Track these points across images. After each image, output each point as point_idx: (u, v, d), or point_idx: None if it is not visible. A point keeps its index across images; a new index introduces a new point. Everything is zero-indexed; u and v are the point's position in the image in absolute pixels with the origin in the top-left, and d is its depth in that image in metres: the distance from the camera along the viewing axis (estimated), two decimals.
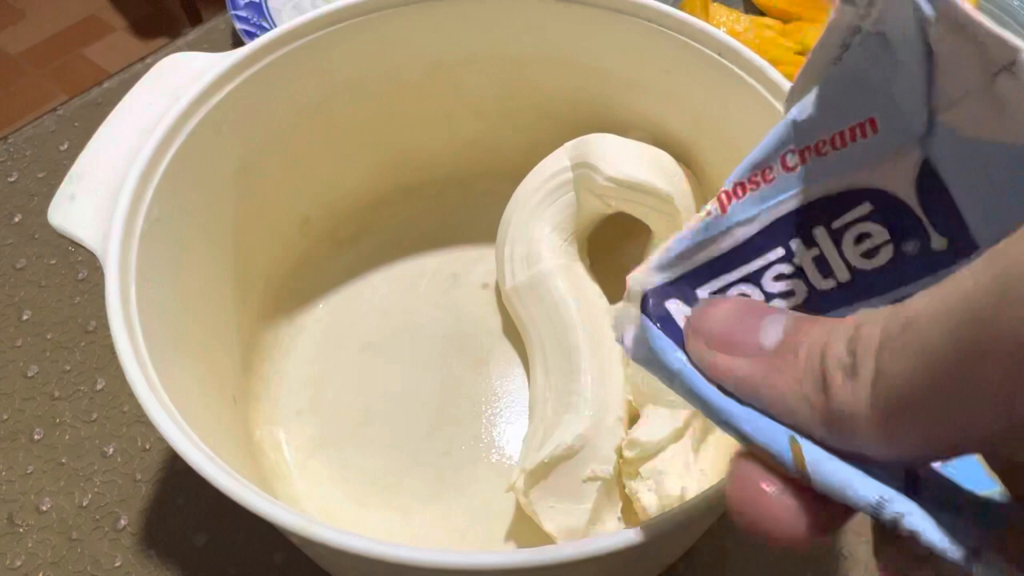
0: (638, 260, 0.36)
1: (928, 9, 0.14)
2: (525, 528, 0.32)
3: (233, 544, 0.34)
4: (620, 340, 0.17)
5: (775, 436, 0.15)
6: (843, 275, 0.16)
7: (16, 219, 0.45)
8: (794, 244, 0.16)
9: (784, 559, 0.33)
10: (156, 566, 0.33)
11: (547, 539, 0.30)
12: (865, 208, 0.16)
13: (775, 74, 0.29)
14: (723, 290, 0.17)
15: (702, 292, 0.17)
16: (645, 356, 0.17)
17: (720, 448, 0.31)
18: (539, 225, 0.35)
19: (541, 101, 0.38)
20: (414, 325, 0.38)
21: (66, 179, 0.29)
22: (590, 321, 0.33)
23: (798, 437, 0.14)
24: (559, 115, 0.38)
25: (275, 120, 0.34)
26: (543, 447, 0.30)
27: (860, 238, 0.16)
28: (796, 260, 0.16)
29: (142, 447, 0.37)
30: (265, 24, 0.51)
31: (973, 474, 0.16)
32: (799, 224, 0.16)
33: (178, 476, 0.36)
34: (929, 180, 0.15)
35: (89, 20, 1.50)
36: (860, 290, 0.16)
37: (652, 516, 0.22)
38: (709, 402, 0.16)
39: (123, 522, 0.35)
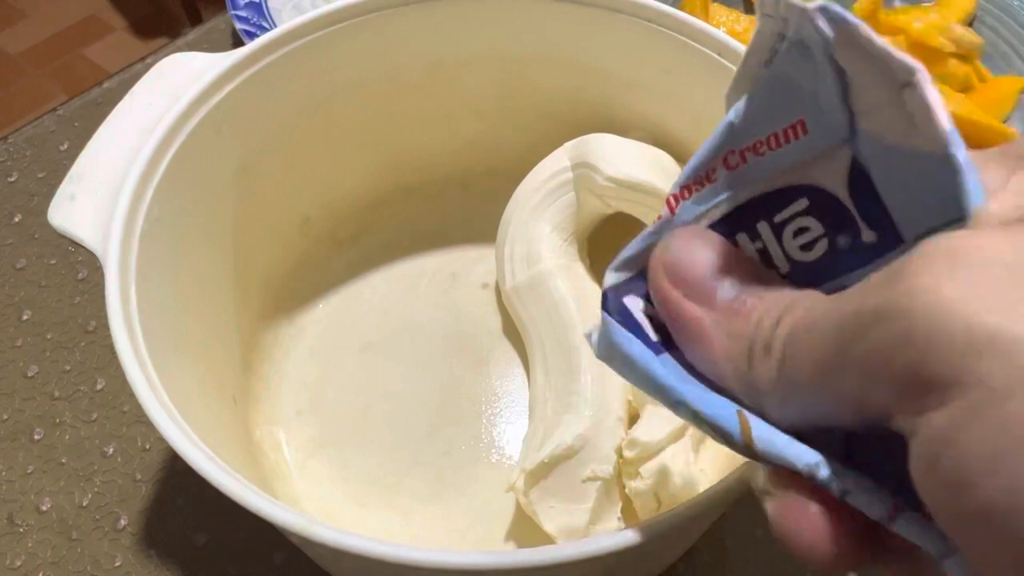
0: None
1: (828, 31, 0.15)
2: (525, 528, 0.32)
3: (233, 544, 0.34)
4: (588, 339, 0.19)
5: (724, 412, 0.16)
6: (784, 267, 0.17)
7: (16, 219, 0.45)
8: (740, 238, 0.18)
9: (784, 559, 0.33)
10: (156, 566, 0.33)
11: (547, 539, 0.30)
12: (802, 203, 0.17)
13: None
14: None
15: None
16: (607, 350, 0.18)
17: (720, 448, 0.31)
18: (539, 225, 0.35)
19: (541, 101, 0.38)
20: (414, 325, 0.38)
21: (66, 179, 0.29)
22: (590, 321, 0.33)
23: (745, 412, 0.16)
24: (559, 115, 0.38)
25: (275, 120, 0.34)
26: (543, 447, 0.30)
27: (798, 232, 0.17)
28: (746, 252, 0.18)
29: (142, 447, 0.37)
30: (265, 24, 0.51)
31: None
32: (743, 220, 0.18)
33: (178, 476, 0.36)
34: (859, 177, 0.16)
35: (89, 20, 1.50)
36: (799, 281, 0.17)
37: (652, 516, 0.22)
38: (663, 385, 0.17)
39: (123, 522, 0.35)
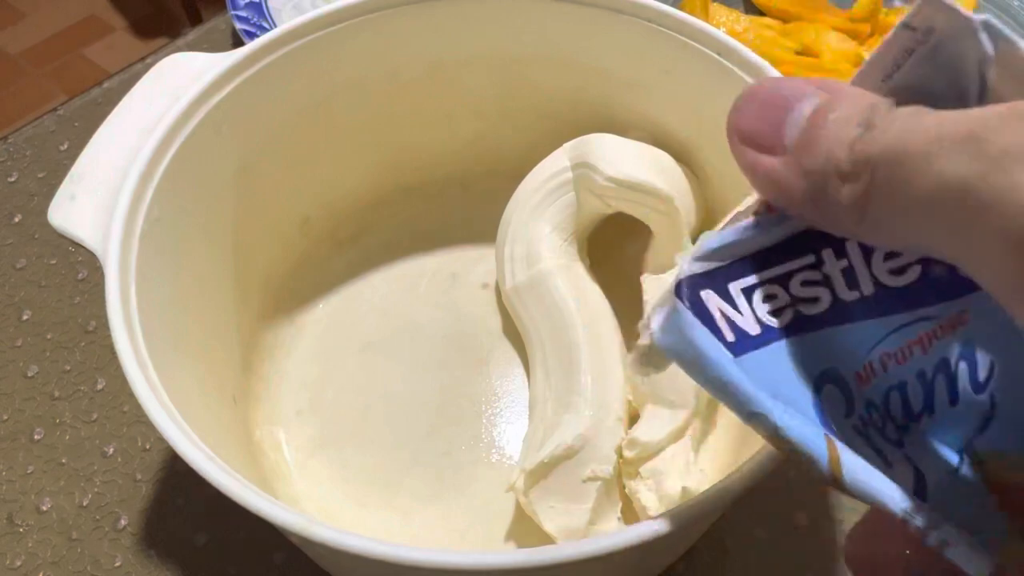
0: (638, 260, 0.36)
1: (989, 49, 0.14)
2: (525, 528, 0.32)
3: (233, 544, 0.34)
4: (647, 325, 0.17)
5: (810, 433, 0.15)
6: (868, 289, 0.16)
7: (16, 219, 0.45)
8: (825, 254, 0.17)
9: (784, 559, 0.33)
10: (156, 566, 0.33)
11: (547, 539, 0.30)
12: None
13: (775, 74, 0.29)
14: (752, 288, 0.17)
15: (733, 287, 0.17)
16: (674, 342, 0.16)
17: (719, 449, 0.31)
18: (539, 225, 0.35)
19: (541, 101, 0.38)
20: (414, 325, 0.38)
21: (66, 179, 0.29)
22: (590, 321, 0.33)
23: (835, 439, 0.14)
24: (559, 115, 0.38)
25: (275, 120, 0.34)
26: (543, 447, 0.30)
27: (889, 255, 0.16)
28: (825, 269, 0.17)
29: (142, 447, 0.37)
30: (265, 24, 0.51)
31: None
32: (832, 238, 0.16)
33: (178, 476, 0.36)
34: None
35: (89, 20, 1.50)
36: (883, 305, 0.16)
37: (652, 516, 0.22)
38: (739, 390, 0.15)
39: (123, 522, 0.35)
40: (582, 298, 0.34)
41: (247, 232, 0.35)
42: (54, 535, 0.34)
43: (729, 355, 0.16)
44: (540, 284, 0.34)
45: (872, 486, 0.14)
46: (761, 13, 0.51)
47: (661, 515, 0.21)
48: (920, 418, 0.16)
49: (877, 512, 0.15)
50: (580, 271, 0.35)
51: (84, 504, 0.35)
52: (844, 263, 0.16)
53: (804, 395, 0.16)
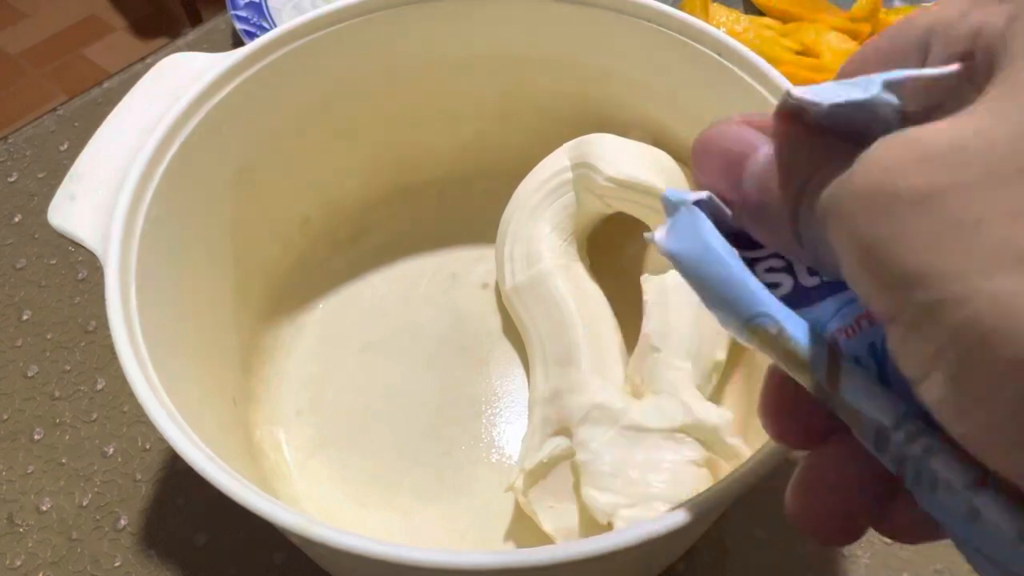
0: (638, 260, 0.36)
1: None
2: (525, 528, 0.32)
3: (233, 544, 0.34)
4: (652, 238, 0.17)
5: (814, 338, 0.15)
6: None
7: (16, 219, 0.45)
8: None
9: (784, 559, 0.33)
10: (156, 566, 0.33)
11: (547, 539, 0.30)
12: None
13: (775, 74, 0.29)
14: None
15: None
16: (681, 244, 0.17)
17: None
18: (539, 225, 0.35)
19: (541, 101, 0.38)
20: (414, 325, 0.38)
21: (66, 179, 0.29)
22: (590, 321, 0.33)
23: (841, 352, 0.15)
24: (559, 115, 0.38)
25: (275, 120, 0.34)
26: (542, 447, 0.30)
27: None
28: (789, 257, 0.17)
29: (142, 447, 0.37)
30: (265, 24, 0.51)
31: None
32: None
33: (178, 476, 0.36)
34: None
35: (89, 20, 1.50)
36: (838, 284, 0.17)
37: (651, 517, 0.22)
38: (748, 290, 0.16)
39: (123, 522, 0.35)
40: (582, 298, 0.34)
41: (247, 232, 0.35)
42: (54, 535, 0.34)
43: (739, 260, 0.16)
44: (540, 284, 0.34)
45: (867, 396, 0.14)
46: (761, 13, 0.51)
47: (661, 515, 0.21)
48: None
49: (812, 466, 0.17)
50: (580, 271, 0.35)
51: (84, 504, 0.35)
52: None
53: None
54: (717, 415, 0.28)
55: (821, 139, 0.15)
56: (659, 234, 0.17)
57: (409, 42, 0.35)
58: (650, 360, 0.31)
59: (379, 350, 0.38)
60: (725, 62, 0.31)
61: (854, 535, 0.16)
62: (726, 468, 0.29)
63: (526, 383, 0.37)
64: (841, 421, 0.15)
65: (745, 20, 0.48)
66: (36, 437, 0.37)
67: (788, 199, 0.15)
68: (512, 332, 0.38)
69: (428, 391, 0.36)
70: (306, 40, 0.33)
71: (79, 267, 0.43)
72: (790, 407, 0.17)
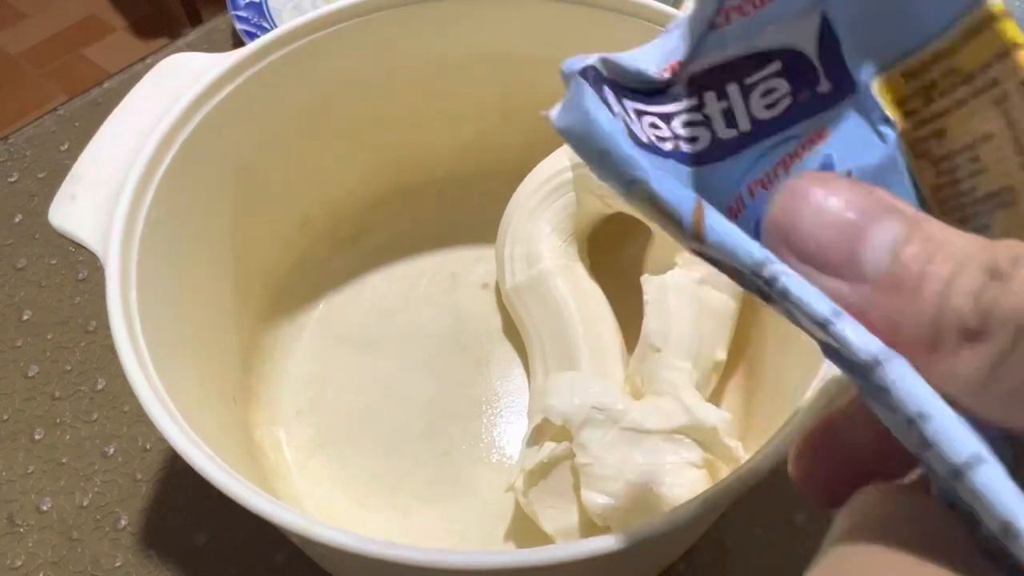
0: (638, 260, 0.36)
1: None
2: (525, 528, 0.32)
3: (233, 544, 0.34)
4: (544, 114, 0.17)
5: (682, 196, 0.15)
6: (745, 125, 0.17)
7: (16, 219, 0.45)
8: (707, 96, 0.17)
9: (784, 559, 0.33)
10: (156, 566, 0.33)
11: (547, 539, 0.30)
12: (775, 66, 0.17)
13: None
14: (641, 113, 0.17)
15: (628, 103, 0.17)
16: (570, 120, 0.17)
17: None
18: (539, 225, 0.35)
19: (541, 101, 0.37)
20: (414, 325, 0.38)
21: (66, 179, 0.29)
22: (590, 321, 0.33)
23: (704, 203, 0.15)
24: None
25: (275, 120, 0.34)
26: (542, 447, 0.30)
27: (766, 92, 0.17)
28: (706, 111, 0.17)
29: (142, 447, 0.37)
30: (265, 24, 0.51)
31: None
32: (714, 80, 0.17)
33: (178, 476, 0.36)
34: (826, 33, 0.16)
35: (89, 20, 1.50)
36: (756, 135, 0.17)
37: (651, 517, 0.22)
38: (623, 156, 0.16)
39: (123, 522, 0.35)
40: (582, 298, 0.34)
41: (247, 232, 0.35)
42: (54, 535, 0.35)
43: (621, 127, 0.16)
44: (540, 284, 0.34)
45: (730, 240, 0.14)
46: None
47: (659, 516, 0.21)
48: None
49: (818, 432, 0.16)
50: (580, 271, 0.35)
51: (84, 504, 0.35)
52: (725, 104, 0.17)
53: None
54: (716, 416, 0.28)
55: None
56: (553, 111, 0.17)
57: (409, 42, 0.35)
58: (650, 360, 0.31)
59: (379, 350, 0.38)
60: None
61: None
62: (725, 470, 0.29)
63: (526, 383, 0.37)
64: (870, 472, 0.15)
65: None
66: (36, 437, 0.37)
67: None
68: (512, 332, 0.38)
69: (428, 391, 0.36)
70: (306, 40, 0.33)
71: (79, 267, 0.43)
72: (826, 457, 0.16)
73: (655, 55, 0.17)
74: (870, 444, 0.15)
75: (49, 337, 0.40)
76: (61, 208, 0.28)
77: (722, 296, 0.32)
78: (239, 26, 0.50)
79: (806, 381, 0.24)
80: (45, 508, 0.35)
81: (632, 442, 0.29)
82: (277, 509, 0.22)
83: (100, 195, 0.28)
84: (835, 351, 0.13)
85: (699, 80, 0.17)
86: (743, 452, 0.29)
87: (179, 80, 0.31)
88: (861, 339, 0.12)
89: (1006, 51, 0.14)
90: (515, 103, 0.38)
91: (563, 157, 0.35)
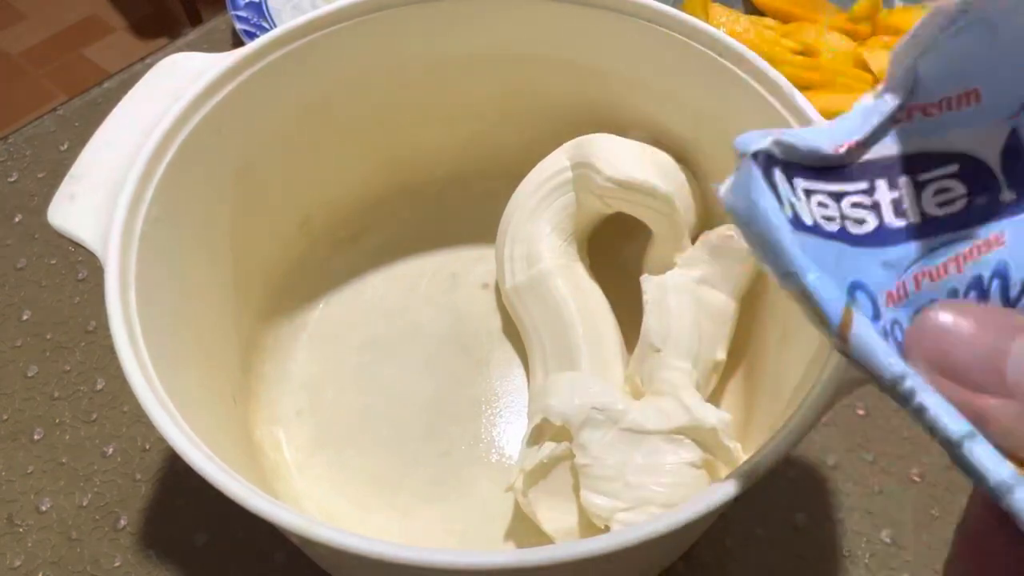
0: (638, 260, 0.36)
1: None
2: (525, 528, 0.32)
3: (233, 544, 0.34)
4: (717, 191, 0.18)
5: (833, 298, 0.16)
6: (915, 218, 0.18)
7: (16, 219, 0.45)
8: (879, 183, 0.18)
9: (784, 559, 0.33)
10: (156, 566, 0.33)
11: (547, 539, 0.30)
12: (952, 168, 0.17)
13: (775, 74, 0.29)
14: (811, 192, 0.18)
15: (797, 181, 0.18)
16: (737, 201, 0.17)
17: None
18: (539, 225, 0.35)
19: (541, 101, 0.38)
20: (414, 325, 0.38)
21: (66, 179, 0.29)
22: (590, 320, 0.33)
23: (855, 308, 0.16)
24: (559, 115, 0.38)
25: (275, 120, 0.34)
26: (542, 447, 0.30)
27: (939, 191, 0.18)
28: (876, 196, 0.18)
29: (142, 447, 0.37)
30: (265, 24, 0.51)
31: None
32: (889, 169, 0.18)
33: (178, 476, 0.36)
34: (1012, 148, 0.17)
35: (89, 20, 1.50)
36: (927, 230, 0.17)
37: (651, 517, 0.22)
38: (783, 249, 0.16)
39: (123, 522, 0.35)
40: (582, 298, 0.34)
41: (247, 232, 0.35)
42: (54, 535, 0.34)
43: (785, 219, 0.17)
44: (540, 284, 0.34)
45: (872, 350, 0.15)
46: (761, 13, 0.51)
47: (659, 516, 0.21)
48: None
49: (970, 536, 0.16)
50: (580, 271, 0.35)
51: (84, 504, 0.35)
52: (895, 194, 0.18)
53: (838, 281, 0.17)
54: (716, 417, 0.28)
55: None
56: (723, 186, 0.18)
57: (409, 42, 0.35)
58: (650, 360, 0.31)
59: (379, 350, 0.38)
60: (725, 62, 0.31)
61: None
62: (724, 470, 0.29)
63: (526, 383, 0.37)
64: None
65: (745, 20, 0.48)
66: (36, 437, 0.37)
67: None
68: (512, 332, 0.38)
69: (428, 391, 0.36)
70: (306, 40, 0.33)
71: (79, 267, 0.43)
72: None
73: (831, 134, 0.18)
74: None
75: (49, 337, 0.40)
76: (61, 208, 0.28)
77: (722, 296, 0.32)
78: (239, 26, 0.50)
79: (806, 381, 0.24)
80: (44, 508, 0.35)
81: (632, 443, 0.29)
82: (277, 509, 0.22)
83: (99, 195, 0.28)
84: (967, 468, 0.14)
85: (871, 167, 0.18)
86: (742, 452, 0.29)
87: (179, 80, 0.31)
88: (993, 463, 0.14)
89: None
90: (515, 103, 0.38)
91: (563, 157, 0.35)
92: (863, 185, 0.18)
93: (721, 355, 0.32)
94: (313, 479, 0.34)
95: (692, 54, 0.32)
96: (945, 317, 0.15)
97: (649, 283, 0.33)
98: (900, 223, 0.17)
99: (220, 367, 0.33)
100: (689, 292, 0.32)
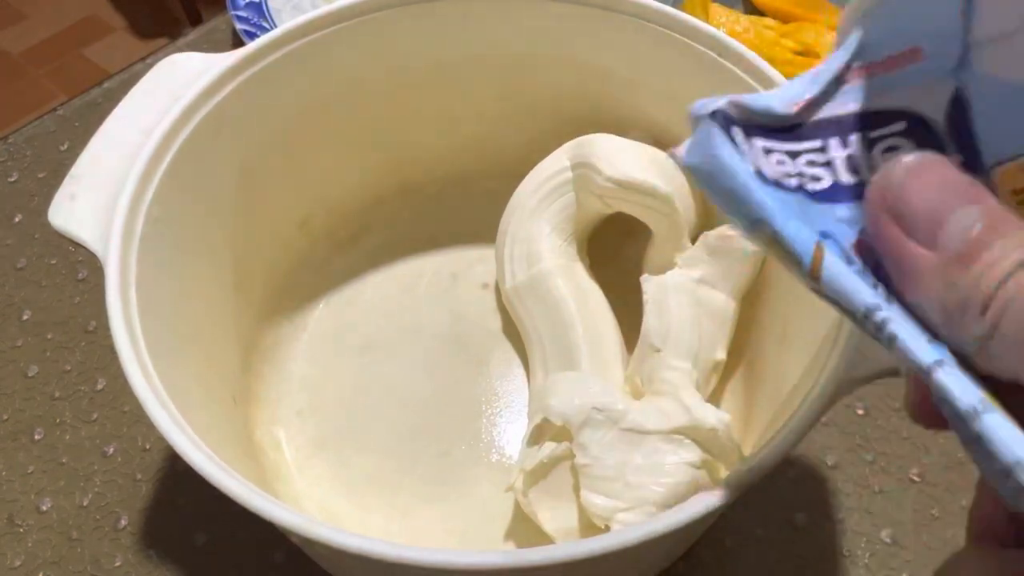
0: (638, 260, 0.36)
1: None
2: (525, 528, 0.32)
3: (233, 544, 0.34)
4: (672, 153, 0.18)
5: (803, 238, 0.16)
6: (866, 175, 0.18)
7: (16, 219, 0.45)
8: (831, 141, 0.18)
9: (784, 559, 0.33)
10: (156, 566, 0.33)
11: (547, 539, 0.30)
12: (900, 126, 0.18)
13: (775, 74, 0.29)
14: (769, 150, 0.18)
15: (756, 140, 0.18)
16: (698, 158, 0.18)
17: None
18: (539, 225, 0.35)
19: (541, 101, 0.38)
20: (414, 325, 0.38)
21: (66, 179, 0.29)
22: (590, 320, 0.33)
23: (825, 244, 0.16)
24: (559, 115, 0.38)
25: (275, 120, 0.34)
26: (542, 447, 0.30)
27: (888, 149, 0.18)
28: (829, 154, 0.18)
29: (142, 447, 0.37)
30: (265, 24, 0.51)
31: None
32: (841, 128, 0.18)
33: (178, 476, 0.36)
34: (958, 108, 0.17)
35: (89, 20, 1.50)
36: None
37: (650, 518, 0.22)
38: (751, 198, 0.17)
39: (123, 522, 0.35)
40: (582, 298, 0.34)
41: (247, 232, 0.35)
42: (54, 535, 0.34)
43: (748, 168, 0.17)
44: (540, 284, 0.34)
45: (844, 285, 0.16)
46: (761, 13, 0.51)
47: (659, 516, 0.21)
48: None
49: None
50: (580, 271, 0.35)
51: (84, 504, 0.35)
52: (847, 151, 0.18)
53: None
54: (715, 417, 0.28)
55: None
56: (680, 149, 0.18)
57: (409, 42, 0.35)
58: (650, 360, 0.31)
59: (379, 350, 0.38)
60: (724, 62, 0.31)
61: None
62: (724, 470, 0.29)
63: (526, 383, 0.37)
64: None
65: (745, 20, 0.48)
66: (36, 437, 0.37)
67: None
68: (512, 332, 0.38)
69: (428, 391, 0.36)
70: (306, 40, 0.33)
71: (79, 267, 0.43)
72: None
73: (783, 95, 0.18)
74: None
75: (49, 337, 0.40)
76: (61, 208, 0.28)
77: (722, 296, 0.32)
78: (239, 26, 0.50)
79: (806, 381, 0.24)
80: (45, 508, 0.35)
81: (632, 443, 0.29)
82: (277, 509, 0.22)
83: (100, 195, 0.28)
84: (937, 395, 0.14)
85: (823, 126, 0.18)
86: (742, 452, 0.29)
87: (179, 80, 0.31)
88: (962, 390, 0.14)
89: None
90: (515, 103, 0.38)
91: (563, 157, 0.35)
92: (816, 144, 0.18)
93: (721, 355, 0.32)
94: (313, 479, 0.34)
95: (692, 54, 0.32)
96: (915, 160, 0.16)
97: (649, 283, 0.33)
98: (854, 179, 0.18)
99: (220, 367, 0.33)
100: (689, 292, 0.32)
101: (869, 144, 0.18)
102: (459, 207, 0.41)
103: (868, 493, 0.34)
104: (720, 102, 0.18)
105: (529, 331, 0.35)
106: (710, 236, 0.32)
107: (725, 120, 0.18)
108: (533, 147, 0.37)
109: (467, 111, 0.39)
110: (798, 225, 0.16)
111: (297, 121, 0.35)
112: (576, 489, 0.29)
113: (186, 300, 0.30)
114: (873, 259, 0.17)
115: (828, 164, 0.18)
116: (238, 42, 0.52)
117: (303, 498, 0.34)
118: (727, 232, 0.32)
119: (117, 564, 0.34)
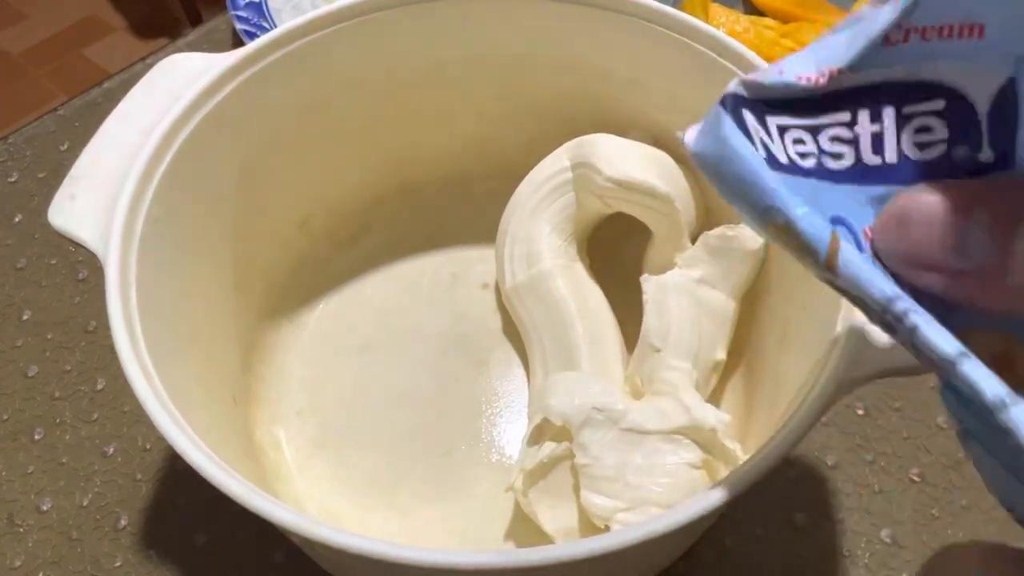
0: (638, 260, 0.36)
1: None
2: (525, 528, 0.32)
3: (233, 544, 0.34)
4: (682, 139, 0.18)
5: (818, 228, 0.15)
6: (891, 157, 0.17)
7: (16, 219, 0.45)
8: (861, 114, 0.17)
9: (784, 559, 0.33)
10: (156, 566, 0.33)
11: (547, 539, 0.30)
12: (939, 104, 0.17)
13: None
14: (785, 128, 0.17)
15: (770, 119, 0.17)
16: (706, 145, 0.17)
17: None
18: (539, 225, 0.35)
19: (541, 101, 0.38)
20: (414, 325, 0.38)
21: (66, 179, 0.29)
22: (590, 320, 0.33)
23: (840, 233, 0.15)
24: (559, 115, 0.38)
25: (275, 120, 0.34)
26: (542, 447, 0.30)
27: (920, 129, 0.17)
28: (857, 129, 0.17)
29: (142, 447, 0.37)
30: (265, 24, 0.51)
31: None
32: (872, 98, 0.17)
33: (178, 476, 0.36)
34: (1005, 98, 0.16)
35: (89, 20, 1.50)
36: (901, 173, 0.17)
37: (650, 517, 0.22)
38: (761, 185, 0.16)
39: (123, 522, 0.35)
40: (582, 298, 0.34)
41: (247, 232, 0.35)
42: (54, 535, 0.35)
43: (759, 156, 0.16)
44: (540, 284, 0.34)
45: (861, 275, 0.15)
46: (761, 13, 0.51)
47: (659, 515, 0.21)
48: None
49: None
50: (580, 271, 0.35)
51: (84, 504, 0.35)
52: (876, 128, 0.17)
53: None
54: (715, 417, 0.28)
55: None
56: (688, 134, 0.17)
57: (409, 42, 0.35)
58: (650, 360, 0.31)
59: (379, 350, 0.38)
60: (724, 62, 0.31)
61: None
62: (724, 470, 0.29)
63: (526, 383, 0.37)
64: None
65: (745, 20, 0.48)
66: (36, 437, 0.37)
67: None
68: (512, 332, 0.38)
69: (428, 391, 0.36)
70: (306, 40, 0.33)
71: (79, 267, 0.43)
72: None
73: (809, 59, 0.17)
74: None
75: (49, 337, 0.40)
76: (61, 208, 0.28)
77: (722, 296, 0.32)
78: (239, 26, 0.50)
79: (806, 381, 0.24)
80: (45, 508, 0.35)
81: (632, 443, 0.29)
82: (277, 509, 0.22)
83: (100, 195, 0.28)
84: (955, 388, 0.14)
85: (854, 95, 0.17)
86: (742, 453, 0.29)
87: (179, 80, 0.31)
88: (988, 382, 0.13)
89: None
90: (515, 103, 0.38)
91: (563, 157, 0.35)
92: (844, 116, 0.17)
93: (721, 355, 0.32)
94: (313, 479, 0.34)
95: (692, 54, 0.32)
96: (899, 210, 0.16)
97: (649, 283, 0.33)
98: (877, 160, 0.17)
99: (220, 367, 0.33)
100: (689, 292, 0.32)
101: (901, 122, 0.17)
102: (459, 207, 0.41)
103: (868, 493, 0.34)
104: (731, 85, 0.17)
105: (529, 331, 0.35)
106: (710, 236, 0.32)
107: (735, 102, 0.17)
108: (533, 147, 0.37)
109: (467, 111, 0.39)
110: (812, 213, 0.16)
111: (297, 121, 0.35)
112: (576, 489, 0.29)
113: (186, 300, 0.30)
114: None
115: (853, 141, 0.17)
116: (238, 42, 0.52)
117: (303, 498, 0.34)
118: (727, 232, 0.32)
119: (117, 564, 0.34)
